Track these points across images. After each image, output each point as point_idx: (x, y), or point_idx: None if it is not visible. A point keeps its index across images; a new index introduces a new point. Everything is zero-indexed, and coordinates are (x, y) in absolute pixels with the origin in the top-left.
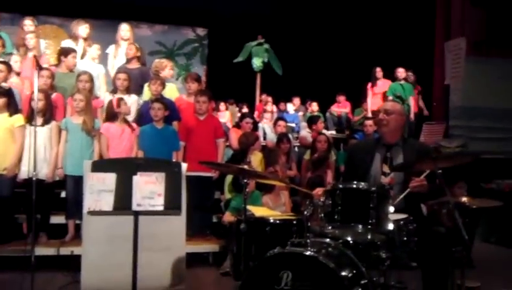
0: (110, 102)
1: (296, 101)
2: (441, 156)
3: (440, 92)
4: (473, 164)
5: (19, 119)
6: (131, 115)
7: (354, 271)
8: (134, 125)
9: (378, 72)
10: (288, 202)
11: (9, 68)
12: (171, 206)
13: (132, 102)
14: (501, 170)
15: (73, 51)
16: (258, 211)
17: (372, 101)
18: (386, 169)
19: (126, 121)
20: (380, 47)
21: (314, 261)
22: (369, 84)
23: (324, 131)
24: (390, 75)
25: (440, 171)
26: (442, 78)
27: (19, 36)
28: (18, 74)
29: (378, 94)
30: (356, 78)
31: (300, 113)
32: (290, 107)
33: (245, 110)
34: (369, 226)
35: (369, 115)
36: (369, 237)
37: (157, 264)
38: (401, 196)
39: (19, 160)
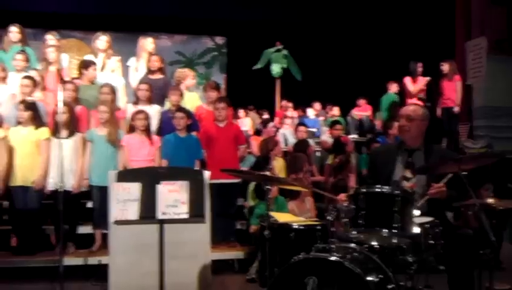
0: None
1: (317, 106)
2: (465, 158)
3: (462, 93)
4: (499, 165)
5: (44, 132)
6: (154, 125)
7: (381, 276)
8: (155, 137)
9: (419, 67)
10: (313, 208)
11: (35, 82)
12: (195, 213)
13: (154, 112)
14: None
15: (93, 63)
16: (281, 217)
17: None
18: (407, 174)
19: (147, 133)
20: (400, 49)
21: (339, 266)
22: (408, 80)
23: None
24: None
25: (465, 173)
26: (464, 78)
27: (41, 51)
28: (44, 87)
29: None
30: (376, 81)
31: (321, 118)
32: (311, 112)
33: (266, 116)
34: (394, 230)
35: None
36: (394, 241)
37: (183, 272)
38: (421, 202)
39: (46, 172)
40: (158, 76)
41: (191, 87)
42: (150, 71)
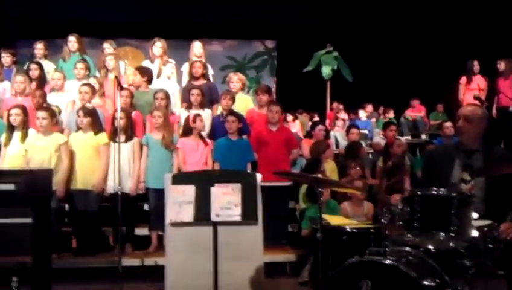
0: (187, 118)
1: (369, 107)
2: None
3: None
4: None
5: (103, 137)
6: (206, 129)
7: (437, 280)
8: (208, 141)
9: (476, 66)
10: (372, 213)
11: (94, 89)
12: (248, 216)
13: (206, 116)
14: None
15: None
16: (333, 219)
17: (466, 99)
18: (466, 176)
19: (201, 136)
20: (455, 47)
21: (394, 270)
22: (463, 79)
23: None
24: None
25: None
26: None
27: (99, 59)
28: (103, 94)
29: (473, 91)
30: (430, 81)
31: (373, 120)
32: (362, 114)
33: (316, 118)
34: (451, 234)
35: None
36: (451, 244)
37: (237, 273)
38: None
39: (105, 176)
40: (201, 82)
41: (241, 91)
42: (193, 77)
